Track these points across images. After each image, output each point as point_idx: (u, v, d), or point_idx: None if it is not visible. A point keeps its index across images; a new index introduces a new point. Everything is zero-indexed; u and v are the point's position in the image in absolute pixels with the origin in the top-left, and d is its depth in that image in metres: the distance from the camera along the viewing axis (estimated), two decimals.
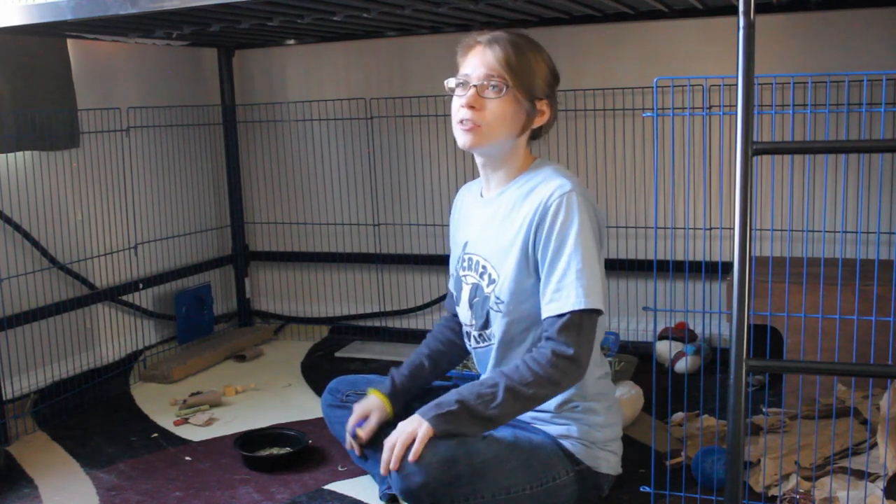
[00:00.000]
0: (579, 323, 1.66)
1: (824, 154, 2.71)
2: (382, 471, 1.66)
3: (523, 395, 1.65)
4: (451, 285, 1.98)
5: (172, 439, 2.41)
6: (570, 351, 1.65)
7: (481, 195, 1.90)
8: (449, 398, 1.67)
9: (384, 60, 3.26)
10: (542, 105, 1.79)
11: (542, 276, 1.71)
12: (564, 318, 1.66)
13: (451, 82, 1.79)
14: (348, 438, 1.95)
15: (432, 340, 2.07)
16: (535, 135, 1.85)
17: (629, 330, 3.08)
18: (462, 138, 1.76)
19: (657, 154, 1.78)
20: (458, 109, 1.76)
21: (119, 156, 2.97)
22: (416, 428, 1.64)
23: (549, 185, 1.72)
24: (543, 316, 1.70)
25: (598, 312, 1.69)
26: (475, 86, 1.73)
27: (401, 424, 1.68)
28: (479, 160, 1.86)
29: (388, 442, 1.67)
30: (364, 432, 1.91)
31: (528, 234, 1.72)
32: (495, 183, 1.85)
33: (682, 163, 2.79)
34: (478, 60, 1.74)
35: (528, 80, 1.74)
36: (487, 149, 1.78)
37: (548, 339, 1.68)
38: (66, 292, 2.80)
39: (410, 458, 1.61)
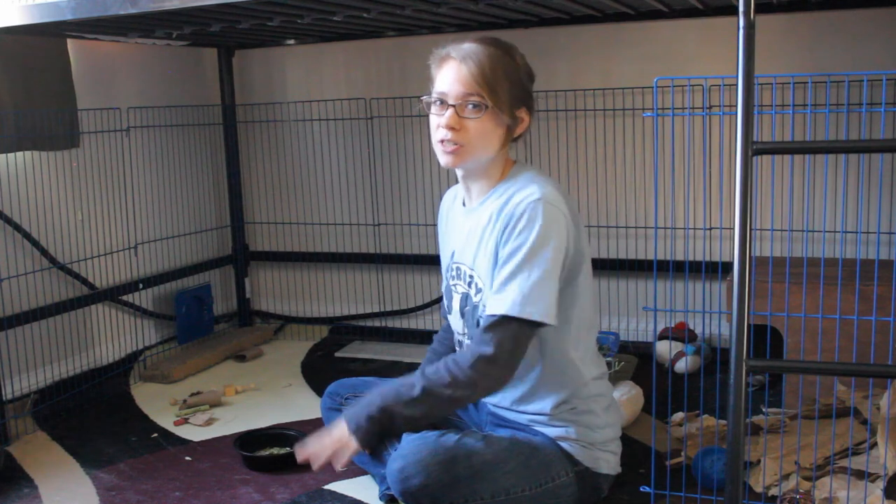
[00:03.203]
0: (508, 327, 1.64)
1: (824, 154, 2.71)
2: (315, 467, 1.70)
3: (441, 395, 1.65)
4: (444, 291, 1.98)
5: (172, 439, 2.41)
6: (489, 350, 1.63)
7: (464, 204, 1.89)
8: (373, 403, 1.67)
9: (384, 60, 3.26)
10: (522, 113, 1.77)
11: (493, 276, 1.70)
12: (494, 319, 1.65)
13: (427, 99, 1.76)
14: None
15: (428, 364, 2.05)
16: (514, 139, 1.83)
17: (629, 330, 3.08)
18: (444, 159, 1.74)
19: (657, 154, 1.78)
20: (438, 129, 1.73)
21: (119, 156, 2.97)
22: (342, 440, 1.67)
23: (521, 194, 1.70)
24: (480, 312, 1.71)
25: (535, 324, 1.65)
26: (454, 105, 1.70)
27: (329, 431, 1.70)
28: (459, 173, 1.84)
29: (313, 445, 1.70)
30: None
31: (498, 240, 1.72)
32: (476, 193, 1.83)
33: (682, 163, 2.79)
34: (453, 77, 1.70)
35: (508, 93, 1.70)
36: (469, 164, 1.77)
37: (475, 338, 1.67)
38: (65, 292, 2.80)
39: (336, 467, 1.68)
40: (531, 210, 1.66)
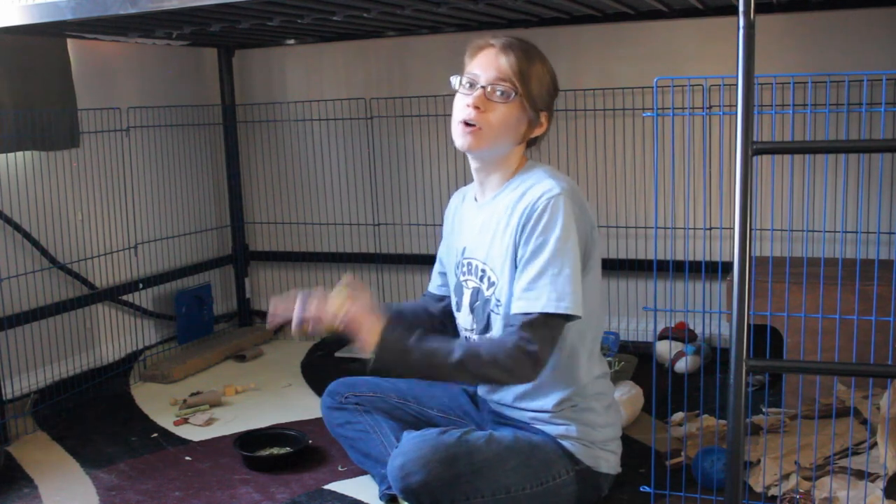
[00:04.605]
0: (545, 324, 1.65)
1: (824, 154, 2.71)
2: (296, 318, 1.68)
3: (472, 370, 1.66)
4: (452, 289, 1.98)
5: (172, 439, 2.41)
6: (534, 348, 1.64)
7: (475, 199, 1.90)
8: (413, 337, 1.67)
9: (384, 60, 3.26)
10: (543, 117, 1.80)
11: (518, 274, 1.71)
12: (531, 317, 1.65)
13: (456, 80, 1.78)
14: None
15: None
16: (530, 143, 1.86)
17: (629, 330, 3.08)
18: (461, 140, 1.76)
19: (657, 154, 1.78)
20: (463, 108, 1.75)
21: (119, 156, 2.97)
22: (369, 327, 1.65)
23: (538, 188, 1.72)
24: (512, 311, 1.69)
25: (567, 317, 1.67)
26: (483, 87, 1.73)
27: (363, 308, 1.66)
28: (473, 164, 1.85)
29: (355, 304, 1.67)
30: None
31: (516, 235, 1.73)
32: (490, 187, 1.85)
33: (682, 163, 2.79)
34: (489, 62, 1.74)
35: (535, 90, 1.74)
36: (484, 153, 1.78)
37: (515, 332, 1.67)
38: (66, 292, 2.80)
39: (338, 325, 1.65)
40: (552, 205, 1.68)
